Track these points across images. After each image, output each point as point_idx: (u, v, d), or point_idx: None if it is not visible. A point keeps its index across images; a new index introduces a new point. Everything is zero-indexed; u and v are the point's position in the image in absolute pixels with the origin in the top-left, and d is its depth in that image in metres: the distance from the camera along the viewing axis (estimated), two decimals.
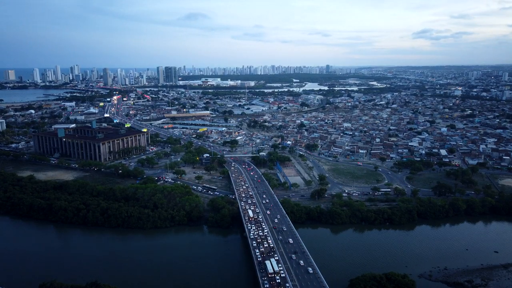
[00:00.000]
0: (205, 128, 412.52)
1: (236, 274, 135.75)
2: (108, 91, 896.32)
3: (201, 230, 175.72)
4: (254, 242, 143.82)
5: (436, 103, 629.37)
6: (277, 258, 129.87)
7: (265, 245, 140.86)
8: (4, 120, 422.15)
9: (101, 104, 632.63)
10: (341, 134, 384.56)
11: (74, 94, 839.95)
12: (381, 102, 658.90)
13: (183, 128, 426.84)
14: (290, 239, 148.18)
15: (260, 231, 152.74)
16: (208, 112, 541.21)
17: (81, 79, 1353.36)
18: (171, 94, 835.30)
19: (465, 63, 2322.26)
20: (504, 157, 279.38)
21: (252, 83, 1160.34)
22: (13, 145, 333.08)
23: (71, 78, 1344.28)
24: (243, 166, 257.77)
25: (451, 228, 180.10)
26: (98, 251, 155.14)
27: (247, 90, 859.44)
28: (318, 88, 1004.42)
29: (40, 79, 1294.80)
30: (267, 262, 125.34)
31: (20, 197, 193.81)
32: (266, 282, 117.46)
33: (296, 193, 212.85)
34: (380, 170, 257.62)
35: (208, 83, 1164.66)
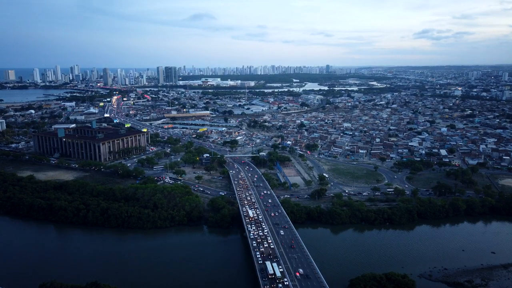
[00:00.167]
0: (205, 128, 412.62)
1: (236, 274, 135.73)
2: (108, 91, 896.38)
3: (201, 230, 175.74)
4: (254, 242, 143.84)
5: (436, 103, 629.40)
6: (277, 259, 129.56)
7: (265, 245, 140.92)
8: (4, 120, 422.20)
9: (101, 104, 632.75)
10: (341, 134, 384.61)
11: (74, 94, 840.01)
12: (381, 102, 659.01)
13: (183, 128, 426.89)
14: (291, 240, 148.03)
15: (260, 231, 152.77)
16: (208, 112, 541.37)
17: (81, 79, 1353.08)
18: (171, 94, 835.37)
19: (465, 63, 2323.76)
20: (504, 157, 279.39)
21: (252, 83, 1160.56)
22: (13, 145, 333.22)
23: (71, 78, 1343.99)
24: (243, 166, 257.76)
25: (451, 228, 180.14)
26: (98, 251, 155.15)
27: (247, 90, 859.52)
28: (318, 88, 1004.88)
29: (40, 79, 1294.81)
30: (268, 263, 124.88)
31: (20, 197, 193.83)
32: (266, 282, 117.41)
33: (296, 193, 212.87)
34: (380, 170, 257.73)
35: (208, 83, 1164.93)
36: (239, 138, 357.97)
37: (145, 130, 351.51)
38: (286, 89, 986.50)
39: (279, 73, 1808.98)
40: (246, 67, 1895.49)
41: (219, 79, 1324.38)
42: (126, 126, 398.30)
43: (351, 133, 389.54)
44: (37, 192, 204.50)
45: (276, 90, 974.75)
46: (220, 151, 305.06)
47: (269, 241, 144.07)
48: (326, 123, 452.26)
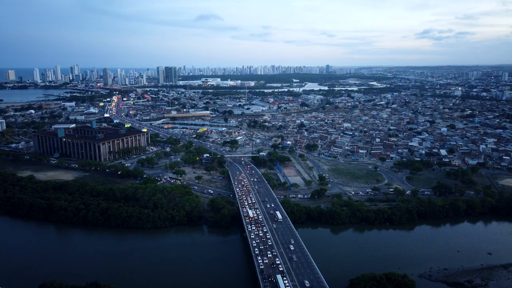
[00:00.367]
0: (205, 128, 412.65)
1: (236, 274, 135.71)
2: (108, 91, 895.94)
3: (201, 230, 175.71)
4: (254, 242, 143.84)
5: (436, 103, 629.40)
6: (278, 262, 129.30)
7: (265, 245, 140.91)
8: (4, 120, 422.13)
9: (101, 104, 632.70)
10: (341, 134, 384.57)
11: (74, 94, 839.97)
12: (381, 102, 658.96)
13: (183, 128, 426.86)
14: (291, 239, 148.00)
15: (260, 232, 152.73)
16: (208, 112, 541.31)
17: (81, 79, 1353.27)
18: (171, 94, 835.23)
19: (465, 63, 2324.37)
20: (504, 157, 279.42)
21: (252, 83, 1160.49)
22: (13, 145, 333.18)
23: (71, 78, 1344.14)
24: (243, 166, 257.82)
25: (451, 228, 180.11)
26: (98, 251, 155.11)
27: (247, 90, 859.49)
28: (318, 88, 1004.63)
29: (40, 79, 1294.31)
30: (278, 277, 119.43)
31: (20, 197, 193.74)
32: (266, 283, 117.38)
33: (296, 193, 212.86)
34: (380, 170, 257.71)
35: (208, 83, 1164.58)
36: (239, 138, 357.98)
37: (145, 130, 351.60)
38: (286, 89, 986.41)
39: (279, 73, 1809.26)
40: (246, 67, 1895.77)
41: (219, 79, 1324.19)
42: (126, 126, 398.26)
43: (351, 133, 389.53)
44: (37, 192, 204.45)
45: (276, 90, 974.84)
46: (220, 151, 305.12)
47: (269, 242, 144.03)
48: (326, 123, 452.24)
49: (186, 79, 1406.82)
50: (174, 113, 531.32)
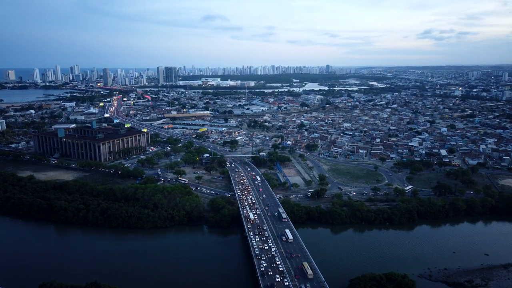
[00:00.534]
0: (205, 128, 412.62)
1: (236, 274, 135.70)
2: (108, 91, 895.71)
3: (201, 230, 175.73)
4: (254, 242, 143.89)
5: (436, 103, 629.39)
6: (278, 262, 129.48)
7: (265, 246, 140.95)
8: (4, 120, 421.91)
9: (101, 104, 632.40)
10: (341, 134, 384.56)
11: (74, 94, 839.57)
12: (381, 102, 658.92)
13: (183, 128, 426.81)
14: (291, 239, 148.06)
15: (260, 231, 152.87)
16: (208, 112, 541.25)
17: (81, 79, 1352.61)
18: (171, 94, 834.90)
19: (465, 63, 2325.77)
20: (504, 157, 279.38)
21: (252, 83, 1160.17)
22: (13, 145, 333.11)
23: (71, 78, 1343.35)
24: (243, 166, 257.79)
25: (451, 228, 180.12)
26: (98, 251, 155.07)
27: (247, 90, 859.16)
28: (318, 88, 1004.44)
29: (40, 79, 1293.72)
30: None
31: (20, 197, 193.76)
32: (266, 282, 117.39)
33: (296, 193, 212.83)
34: (380, 170, 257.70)
35: (208, 83, 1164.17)
36: (239, 138, 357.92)
37: (145, 130, 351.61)
38: (286, 89, 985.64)
39: (279, 73, 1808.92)
40: (246, 67, 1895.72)
41: (219, 79, 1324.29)
42: (126, 126, 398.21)
43: (351, 133, 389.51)
44: (37, 192, 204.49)
45: (276, 90, 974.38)
46: (220, 151, 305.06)
47: (269, 242, 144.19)
48: (326, 123, 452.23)
49: (186, 79, 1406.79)
50: (174, 113, 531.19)
